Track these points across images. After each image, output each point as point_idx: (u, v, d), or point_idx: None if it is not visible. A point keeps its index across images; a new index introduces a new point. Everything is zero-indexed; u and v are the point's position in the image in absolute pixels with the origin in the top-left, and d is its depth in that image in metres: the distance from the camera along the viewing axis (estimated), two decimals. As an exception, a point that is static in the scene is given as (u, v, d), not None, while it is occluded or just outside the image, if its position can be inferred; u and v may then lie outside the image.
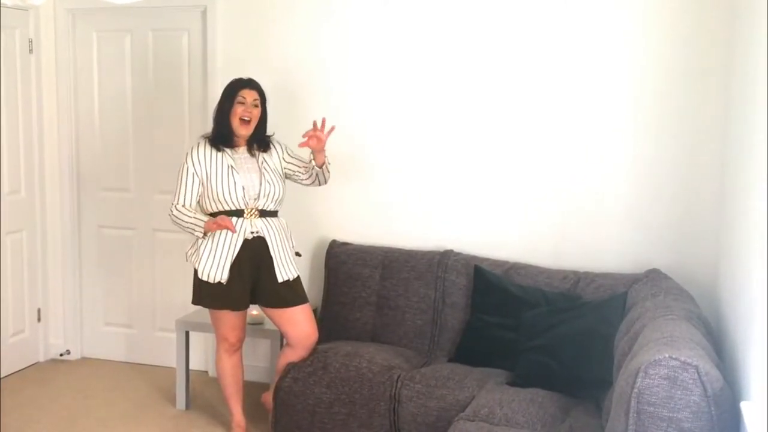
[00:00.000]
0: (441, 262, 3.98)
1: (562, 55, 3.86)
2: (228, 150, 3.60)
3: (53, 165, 4.85)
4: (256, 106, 3.62)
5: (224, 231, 3.54)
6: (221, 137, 3.60)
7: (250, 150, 3.65)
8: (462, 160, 4.09)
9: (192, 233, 3.58)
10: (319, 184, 3.76)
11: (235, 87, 3.62)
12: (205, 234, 3.54)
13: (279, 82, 4.27)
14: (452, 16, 4.02)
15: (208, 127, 3.77)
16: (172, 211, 3.61)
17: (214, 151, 3.59)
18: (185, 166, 3.60)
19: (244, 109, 3.57)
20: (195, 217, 3.55)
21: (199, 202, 3.64)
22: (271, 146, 3.72)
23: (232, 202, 3.55)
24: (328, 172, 3.73)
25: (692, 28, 3.66)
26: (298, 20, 4.30)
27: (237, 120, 3.57)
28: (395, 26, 4.13)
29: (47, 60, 4.78)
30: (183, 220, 3.58)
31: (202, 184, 3.58)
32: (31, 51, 4.73)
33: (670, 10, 3.69)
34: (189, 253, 3.67)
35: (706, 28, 3.63)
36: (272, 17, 4.35)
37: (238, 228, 3.55)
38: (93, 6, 4.66)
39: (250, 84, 3.65)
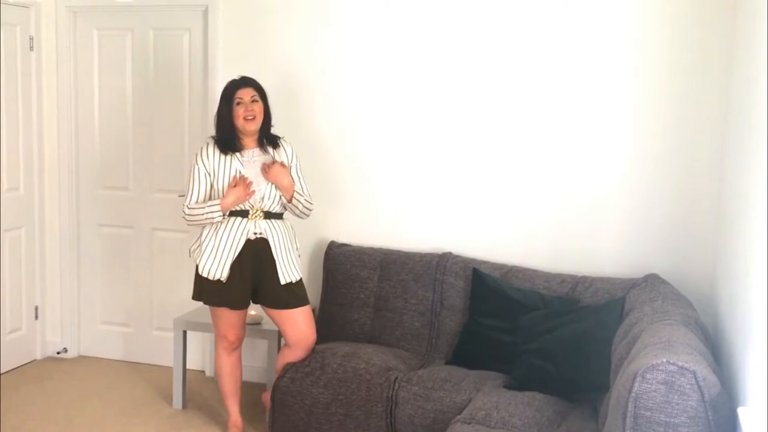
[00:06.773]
0: (439, 264, 3.98)
1: (560, 58, 3.86)
2: (237, 153, 3.58)
3: (52, 162, 4.85)
4: (255, 101, 3.58)
5: (228, 229, 3.54)
6: (225, 143, 3.57)
7: (261, 147, 3.63)
8: (461, 163, 4.09)
9: (212, 221, 3.54)
10: (297, 216, 3.73)
11: (231, 90, 3.58)
12: (223, 215, 3.52)
13: (280, 81, 4.27)
14: (452, 18, 4.02)
15: (208, 126, 3.75)
16: (184, 211, 3.58)
17: (222, 153, 3.58)
18: (195, 166, 3.58)
19: (245, 109, 3.54)
20: (208, 206, 3.52)
21: (205, 200, 3.61)
22: (281, 147, 3.69)
23: None
24: (305, 208, 3.69)
25: (692, 29, 3.66)
26: (299, 20, 4.30)
27: (241, 120, 3.55)
28: (396, 28, 4.13)
29: (48, 57, 4.77)
30: (198, 214, 3.53)
31: (210, 183, 3.57)
32: (31, 48, 4.72)
33: (670, 11, 3.69)
34: (192, 249, 3.68)
35: (706, 29, 3.63)
36: (273, 17, 4.35)
37: (241, 229, 3.54)
38: (94, 4, 4.66)
39: (245, 82, 3.61)
